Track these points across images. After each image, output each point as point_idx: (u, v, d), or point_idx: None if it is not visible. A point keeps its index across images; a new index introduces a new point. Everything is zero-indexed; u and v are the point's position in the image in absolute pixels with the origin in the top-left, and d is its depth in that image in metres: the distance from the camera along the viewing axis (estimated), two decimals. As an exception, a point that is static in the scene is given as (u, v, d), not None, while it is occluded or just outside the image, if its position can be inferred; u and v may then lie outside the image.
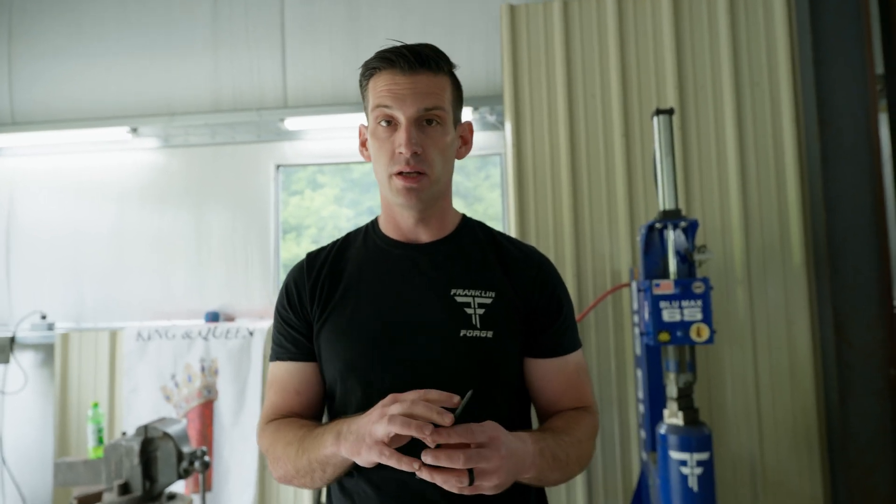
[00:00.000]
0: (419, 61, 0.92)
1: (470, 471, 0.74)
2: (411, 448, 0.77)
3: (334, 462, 0.86)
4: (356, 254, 1.03)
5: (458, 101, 1.00)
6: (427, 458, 0.74)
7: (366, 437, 0.77)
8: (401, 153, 0.91)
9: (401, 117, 0.92)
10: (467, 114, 2.83)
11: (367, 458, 0.78)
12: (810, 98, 2.50)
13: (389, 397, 0.79)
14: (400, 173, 0.92)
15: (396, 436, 0.76)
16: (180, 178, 3.10)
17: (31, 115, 3.18)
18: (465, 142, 1.03)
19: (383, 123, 0.94)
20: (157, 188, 3.11)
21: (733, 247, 2.55)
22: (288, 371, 1.00)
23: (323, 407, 1.03)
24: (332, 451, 0.84)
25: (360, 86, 0.99)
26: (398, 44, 0.95)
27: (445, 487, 0.74)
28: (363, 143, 1.03)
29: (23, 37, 3.23)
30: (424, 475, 0.74)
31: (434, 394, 0.76)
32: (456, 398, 0.76)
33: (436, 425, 0.74)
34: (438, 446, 0.74)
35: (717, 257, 2.53)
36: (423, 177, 0.93)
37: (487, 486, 0.76)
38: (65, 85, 3.17)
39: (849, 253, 2.41)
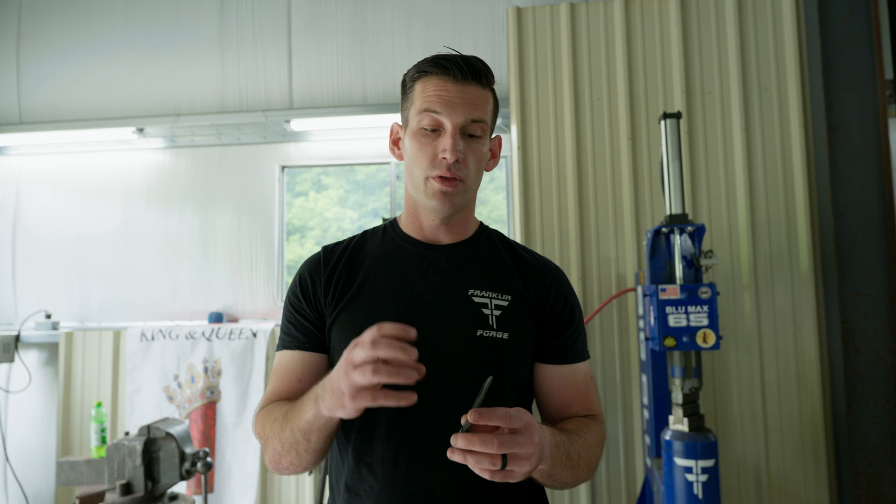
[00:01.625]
0: (472, 73, 0.95)
1: (503, 455, 0.74)
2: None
3: (317, 426, 0.85)
4: (374, 249, 1.04)
5: (496, 115, 1.04)
6: (459, 442, 0.73)
7: (345, 389, 0.76)
8: (444, 158, 0.93)
9: (447, 124, 0.94)
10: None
11: (353, 407, 0.76)
12: (819, 103, 2.48)
13: (351, 343, 0.78)
14: (439, 177, 0.94)
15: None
16: (186, 178, 3.10)
17: (37, 114, 3.19)
18: (493, 155, 1.06)
19: (428, 127, 0.96)
20: (163, 188, 3.11)
21: (740, 252, 2.53)
22: (293, 359, 1.00)
23: None
24: (312, 415, 0.83)
25: (404, 85, 1.01)
26: (453, 52, 0.98)
27: (476, 469, 0.74)
28: (395, 142, 1.04)
29: (31, 37, 3.24)
30: (457, 457, 0.74)
31: (388, 327, 0.75)
32: (413, 331, 0.76)
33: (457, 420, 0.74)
34: (469, 429, 0.74)
35: (724, 262, 2.51)
36: (460, 183, 0.95)
37: (518, 473, 0.75)
38: (72, 85, 3.19)
39: (857, 259, 2.39)
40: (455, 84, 0.95)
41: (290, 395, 0.98)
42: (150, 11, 3.16)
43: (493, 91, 1.01)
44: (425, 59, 0.98)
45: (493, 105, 1.01)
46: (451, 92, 0.94)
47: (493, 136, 1.05)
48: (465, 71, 0.95)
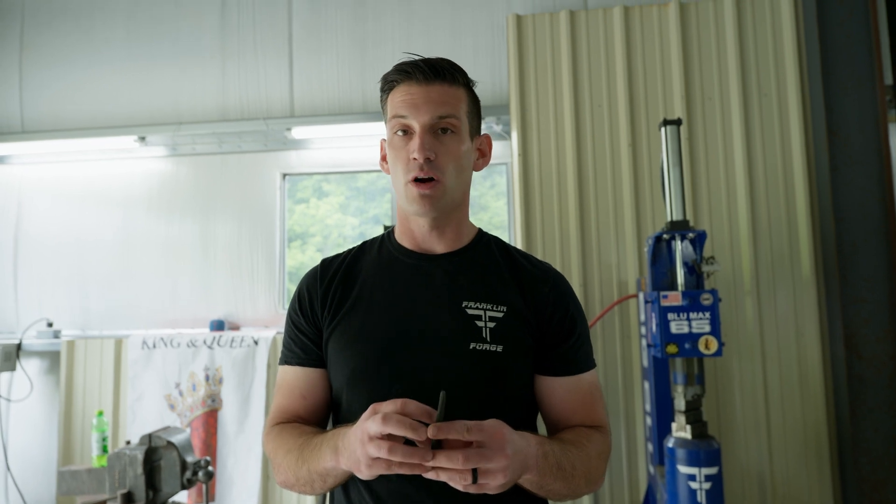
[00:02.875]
0: (434, 73, 0.95)
1: (474, 469, 0.74)
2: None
3: (335, 474, 0.87)
4: (370, 262, 1.04)
5: (476, 113, 1.02)
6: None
7: (361, 458, 0.77)
8: (414, 159, 0.93)
9: (415, 125, 0.94)
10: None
11: (370, 475, 0.78)
12: (819, 108, 2.49)
13: (370, 409, 0.78)
14: (415, 180, 0.94)
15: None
16: (187, 186, 3.11)
17: (39, 123, 3.20)
18: (482, 154, 1.05)
19: (399, 133, 0.96)
20: (164, 196, 3.12)
21: (742, 258, 2.53)
22: (295, 375, 1.01)
23: (328, 413, 1.04)
24: (331, 465, 0.85)
25: (381, 100, 1.02)
26: (415, 57, 0.97)
27: (452, 485, 0.74)
28: (384, 158, 1.04)
29: (33, 46, 3.26)
30: (430, 474, 0.74)
31: (412, 406, 0.76)
32: (434, 414, 0.76)
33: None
34: (440, 444, 0.74)
35: (726, 268, 2.51)
36: (437, 183, 0.94)
37: (493, 486, 0.75)
38: (74, 93, 3.20)
39: (859, 264, 2.39)
40: (419, 86, 0.95)
41: (295, 412, 1.00)
42: (152, 21, 3.17)
43: (467, 88, 1.00)
44: (389, 70, 0.98)
45: (467, 102, 0.99)
46: (415, 95, 0.95)
47: (482, 134, 1.04)
48: (428, 72, 0.95)
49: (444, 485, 0.79)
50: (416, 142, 0.93)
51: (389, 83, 0.98)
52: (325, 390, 1.01)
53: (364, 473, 0.78)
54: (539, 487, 0.86)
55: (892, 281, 2.37)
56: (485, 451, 0.74)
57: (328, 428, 1.05)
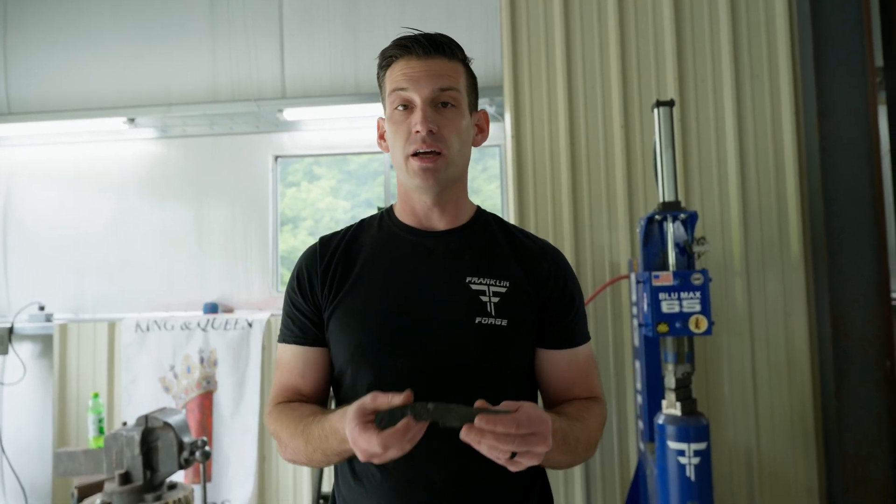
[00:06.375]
0: (434, 46, 0.96)
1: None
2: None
3: (343, 455, 0.89)
4: (371, 239, 1.04)
5: (473, 88, 1.03)
6: (481, 423, 0.75)
7: (360, 457, 0.79)
8: (417, 132, 0.93)
9: (416, 99, 0.94)
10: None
11: (387, 458, 0.79)
12: (810, 90, 2.50)
13: (357, 411, 0.79)
14: (416, 154, 0.94)
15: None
16: (178, 168, 3.09)
17: (27, 104, 3.16)
18: (480, 130, 1.05)
19: (400, 108, 0.96)
20: (155, 178, 3.10)
21: (732, 239, 2.55)
22: (294, 354, 1.02)
23: (328, 389, 1.05)
24: (345, 449, 0.86)
25: (378, 77, 1.02)
26: (413, 31, 0.97)
27: (488, 454, 0.75)
28: (381, 136, 1.04)
29: (18, 26, 3.20)
30: (472, 437, 0.74)
31: (382, 399, 0.78)
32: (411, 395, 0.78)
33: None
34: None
35: (716, 249, 2.54)
36: (440, 156, 0.94)
37: (525, 465, 0.77)
38: (61, 74, 3.15)
39: (847, 245, 2.42)
40: (419, 60, 0.95)
41: (295, 389, 1.01)
42: (141, 1, 3.12)
43: (464, 64, 1.00)
44: (388, 46, 0.98)
45: (466, 77, 1.00)
46: (415, 68, 0.94)
47: (479, 110, 1.05)
48: (427, 46, 0.95)
49: (451, 457, 0.81)
50: (417, 115, 0.93)
51: (388, 59, 0.98)
52: (324, 368, 1.02)
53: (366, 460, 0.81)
54: (546, 460, 0.88)
55: (880, 262, 2.41)
56: (532, 438, 0.76)
57: (330, 403, 1.06)
